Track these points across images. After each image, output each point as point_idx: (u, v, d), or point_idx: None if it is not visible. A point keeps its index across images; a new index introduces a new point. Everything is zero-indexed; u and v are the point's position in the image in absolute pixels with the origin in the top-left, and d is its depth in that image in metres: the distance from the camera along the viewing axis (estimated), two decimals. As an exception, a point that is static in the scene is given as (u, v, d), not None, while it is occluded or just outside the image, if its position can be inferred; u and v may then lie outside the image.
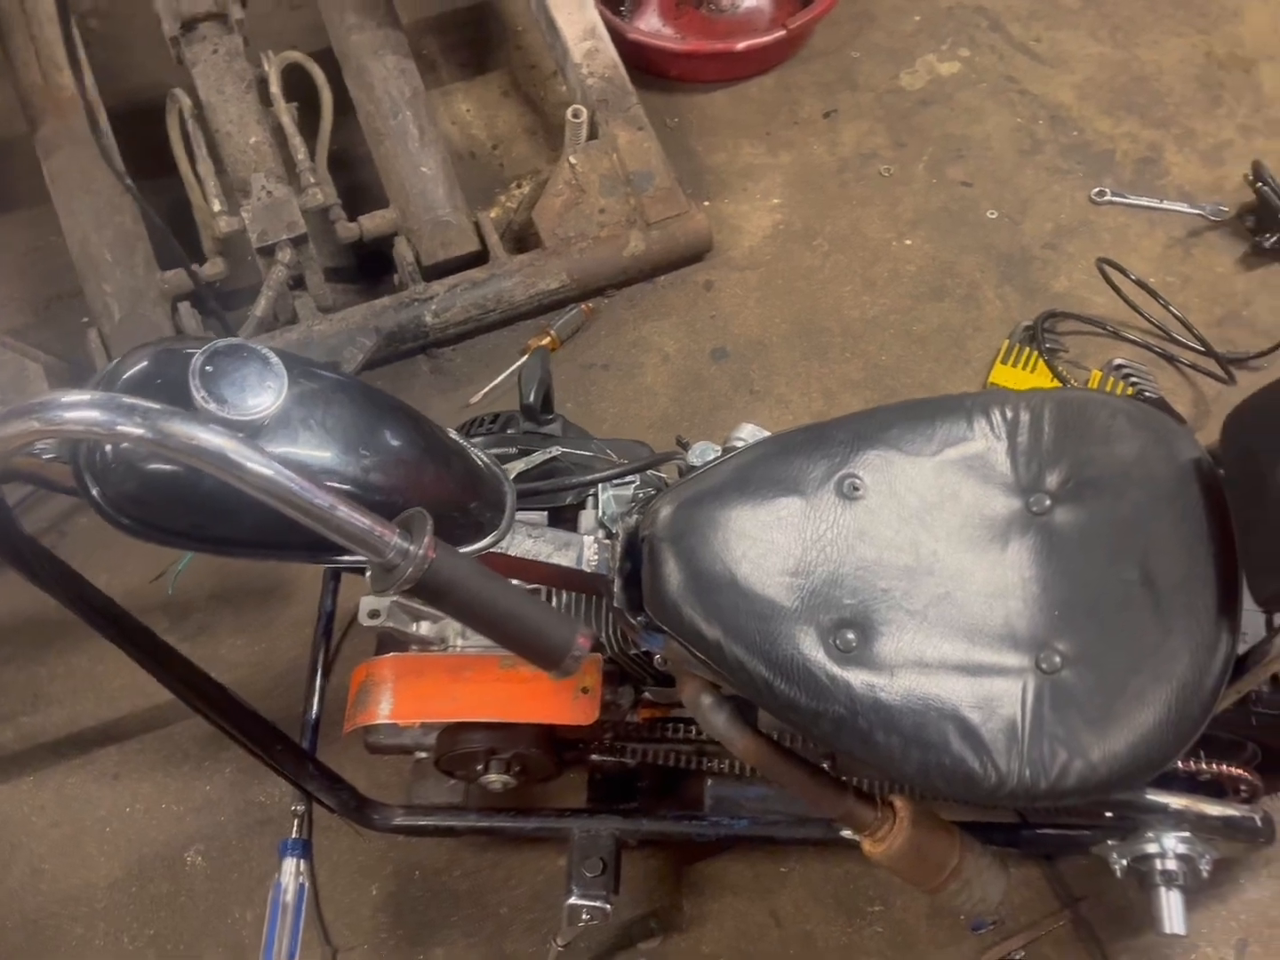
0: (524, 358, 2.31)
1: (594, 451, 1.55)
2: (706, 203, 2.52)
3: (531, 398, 1.58)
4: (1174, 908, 1.50)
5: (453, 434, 1.22)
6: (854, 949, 1.79)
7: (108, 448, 0.96)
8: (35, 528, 2.09)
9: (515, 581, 1.45)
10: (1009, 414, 1.32)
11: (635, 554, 1.29)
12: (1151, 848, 1.50)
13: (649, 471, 1.47)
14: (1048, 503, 1.28)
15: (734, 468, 1.30)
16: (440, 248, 2.34)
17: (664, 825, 1.66)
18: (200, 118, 2.33)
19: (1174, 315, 2.27)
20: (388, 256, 2.37)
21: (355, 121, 2.45)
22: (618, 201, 2.38)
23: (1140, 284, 2.29)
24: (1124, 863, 1.54)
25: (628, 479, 1.45)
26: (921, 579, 1.25)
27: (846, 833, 1.50)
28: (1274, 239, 2.37)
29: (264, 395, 0.92)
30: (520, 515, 1.34)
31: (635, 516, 1.33)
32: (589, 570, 1.30)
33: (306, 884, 1.53)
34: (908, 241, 2.46)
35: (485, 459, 1.24)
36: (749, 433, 1.43)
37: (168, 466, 0.96)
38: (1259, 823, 1.50)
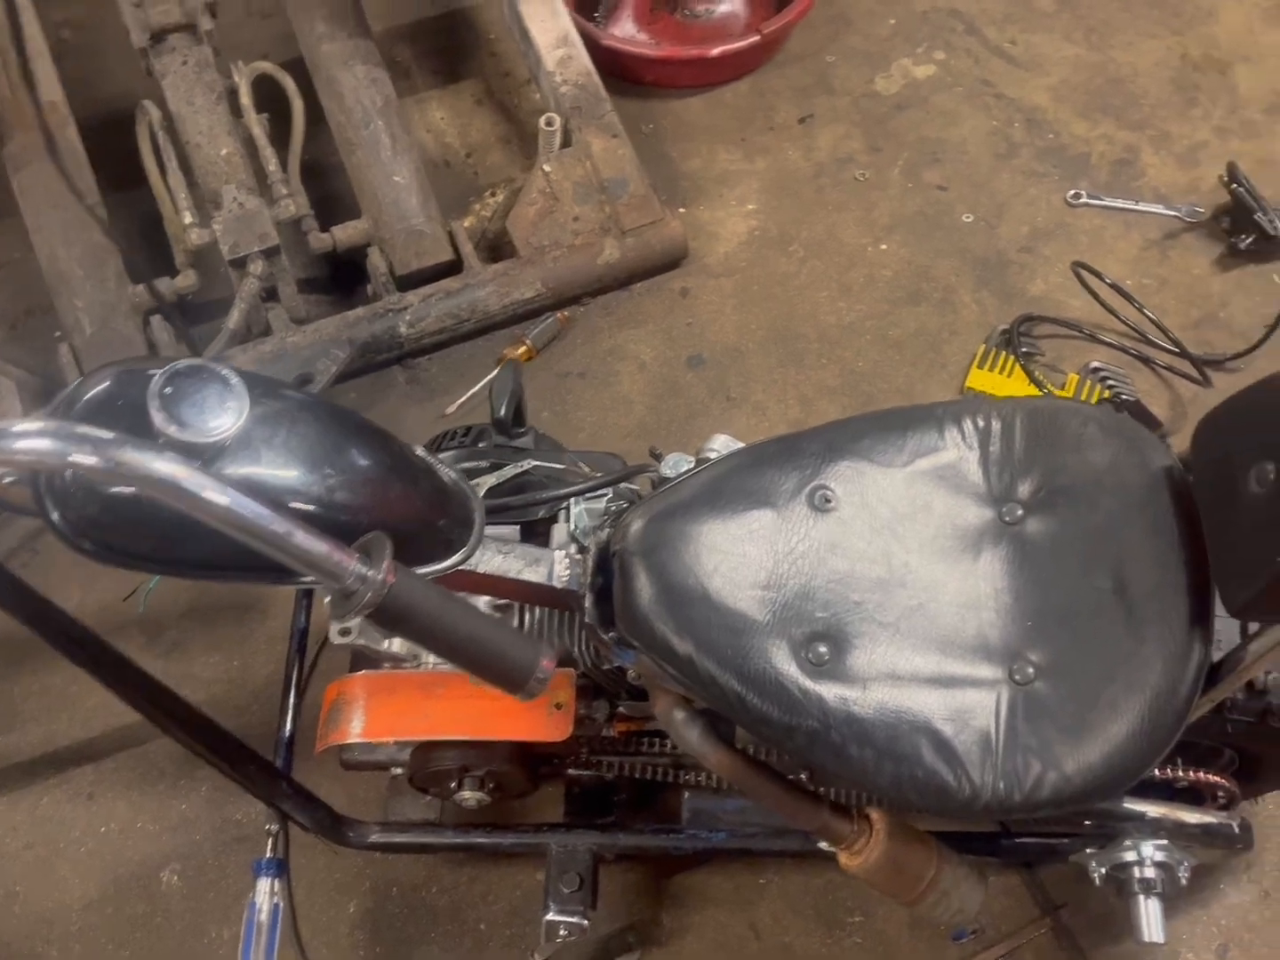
0: (499, 368, 2.30)
1: (566, 464, 1.55)
2: (682, 209, 2.51)
3: (503, 411, 1.56)
4: (1153, 916, 1.50)
5: (420, 451, 1.21)
6: (834, 960, 1.79)
7: (67, 472, 0.95)
8: (5, 546, 2.07)
9: (485, 598, 1.45)
10: (980, 423, 1.31)
11: (607, 568, 1.28)
12: (1129, 856, 1.50)
13: (622, 484, 1.46)
14: (1020, 512, 1.27)
15: (706, 480, 1.29)
16: (414, 257, 2.32)
17: (641, 839, 1.65)
18: (170, 129, 2.31)
19: (1148, 318, 2.27)
20: (361, 267, 2.35)
21: (327, 131, 2.43)
22: (592, 209, 2.37)
23: (1115, 287, 2.29)
24: (1102, 871, 1.53)
25: (600, 492, 1.44)
26: (894, 591, 1.24)
27: (824, 844, 1.49)
28: (1249, 240, 2.37)
29: (224, 416, 0.91)
30: (491, 530, 1.33)
31: (607, 530, 1.32)
32: (560, 586, 1.29)
33: (281, 903, 1.52)
34: (883, 246, 2.45)
35: (453, 475, 1.23)
36: (722, 444, 1.41)
37: (128, 490, 0.95)
38: (1237, 829, 1.51)
